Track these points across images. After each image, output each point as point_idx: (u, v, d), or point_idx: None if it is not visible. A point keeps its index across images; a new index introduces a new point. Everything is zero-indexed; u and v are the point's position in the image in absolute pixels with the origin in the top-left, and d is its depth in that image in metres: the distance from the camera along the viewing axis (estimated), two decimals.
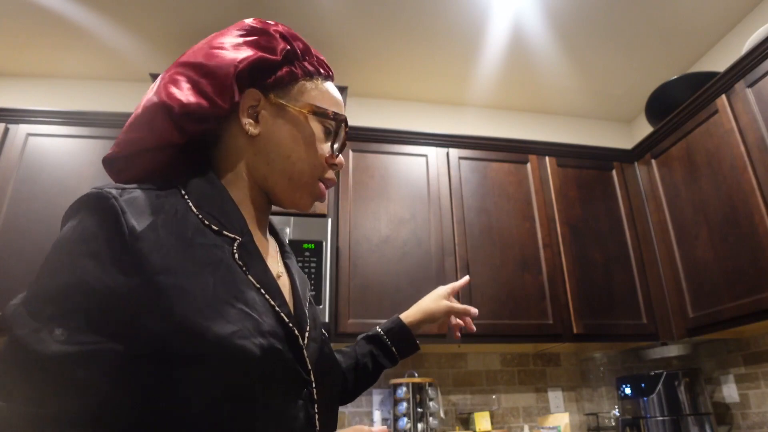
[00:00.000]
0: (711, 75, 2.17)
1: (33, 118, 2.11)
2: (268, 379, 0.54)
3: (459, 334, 0.99)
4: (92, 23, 2.36)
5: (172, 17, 2.34)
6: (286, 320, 0.59)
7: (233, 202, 0.64)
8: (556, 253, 2.29)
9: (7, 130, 2.07)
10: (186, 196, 0.61)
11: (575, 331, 2.16)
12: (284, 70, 0.67)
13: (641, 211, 2.47)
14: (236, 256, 0.59)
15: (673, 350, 2.37)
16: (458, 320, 1.00)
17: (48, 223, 1.94)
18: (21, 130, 2.08)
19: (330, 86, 0.72)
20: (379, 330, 0.94)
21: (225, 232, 0.60)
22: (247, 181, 0.67)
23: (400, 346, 0.93)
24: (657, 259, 2.37)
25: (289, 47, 0.67)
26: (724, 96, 2.03)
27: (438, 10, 2.36)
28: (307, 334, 0.63)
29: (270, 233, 0.76)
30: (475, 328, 1.01)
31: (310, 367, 0.60)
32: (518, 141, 2.51)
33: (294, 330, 0.59)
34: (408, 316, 0.95)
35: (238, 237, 0.60)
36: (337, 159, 0.70)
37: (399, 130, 2.40)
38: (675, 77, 2.32)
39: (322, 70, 0.72)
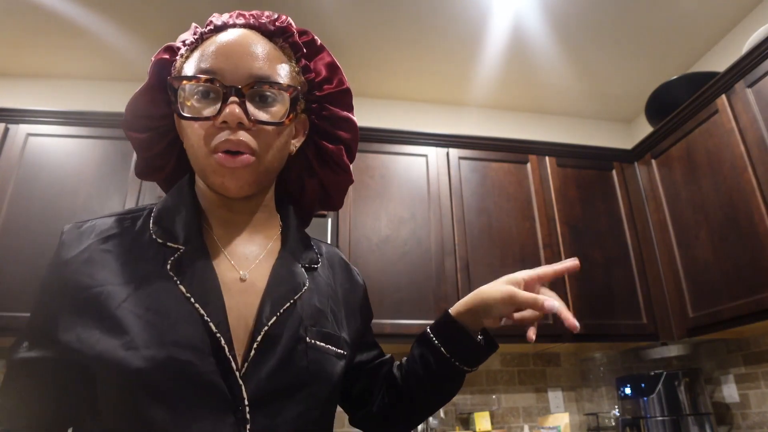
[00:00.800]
0: (711, 75, 2.17)
1: (33, 118, 2.11)
2: (160, 391, 0.51)
3: (533, 335, 0.70)
4: (92, 23, 2.36)
5: (173, 17, 2.34)
6: (214, 330, 0.55)
7: (190, 210, 0.64)
8: (556, 253, 2.29)
9: (7, 130, 2.07)
10: (152, 213, 0.66)
11: (575, 330, 2.16)
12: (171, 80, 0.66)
13: (641, 211, 2.47)
14: (168, 267, 0.59)
15: (673, 350, 2.37)
16: (525, 314, 0.71)
17: (48, 223, 1.94)
18: (21, 130, 2.08)
19: (206, 45, 0.63)
20: (427, 328, 0.72)
21: (169, 244, 0.61)
22: (204, 186, 0.68)
23: (453, 347, 0.69)
24: (657, 259, 2.37)
25: (161, 57, 0.66)
26: (724, 96, 2.03)
27: (438, 10, 2.36)
28: (256, 345, 0.56)
29: (285, 234, 0.71)
30: (576, 324, 0.67)
31: (241, 382, 0.54)
32: (518, 141, 2.51)
33: (221, 340, 0.55)
34: (457, 305, 0.71)
35: (180, 247, 0.61)
36: (222, 116, 0.58)
37: (399, 130, 2.40)
38: (675, 77, 2.32)
39: (198, 35, 0.65)
